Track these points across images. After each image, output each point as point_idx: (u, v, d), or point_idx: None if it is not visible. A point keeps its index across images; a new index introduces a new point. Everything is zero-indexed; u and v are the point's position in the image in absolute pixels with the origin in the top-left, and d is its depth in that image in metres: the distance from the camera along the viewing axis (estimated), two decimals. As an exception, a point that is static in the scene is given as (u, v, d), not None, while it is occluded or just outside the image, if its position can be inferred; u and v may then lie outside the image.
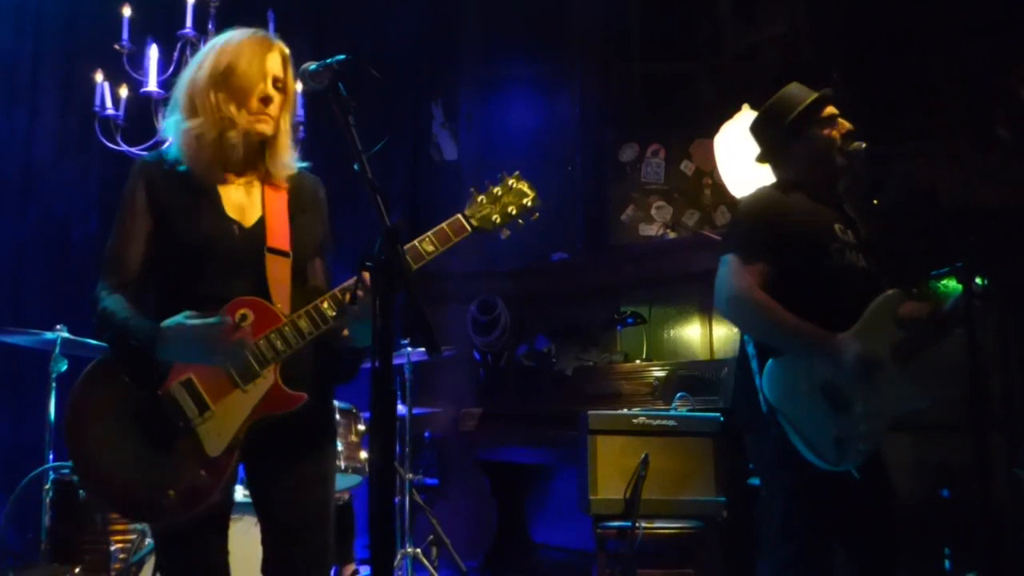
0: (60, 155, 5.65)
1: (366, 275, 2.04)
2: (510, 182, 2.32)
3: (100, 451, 2.10)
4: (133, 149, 4.66)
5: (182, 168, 2.20)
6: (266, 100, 2.20)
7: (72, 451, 2.13)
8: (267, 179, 2.28)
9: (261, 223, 2.22)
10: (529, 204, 2.31)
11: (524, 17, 6.48)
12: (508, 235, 2.32)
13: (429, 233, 2.20)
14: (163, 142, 4.74)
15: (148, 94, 4.57)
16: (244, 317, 2.10)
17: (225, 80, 2.19)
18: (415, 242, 2.18)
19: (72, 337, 3.88)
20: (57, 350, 3.85)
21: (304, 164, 2.35)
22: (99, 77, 4.61)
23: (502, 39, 6.59)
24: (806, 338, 2.70)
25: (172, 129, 2.24)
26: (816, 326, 2.70)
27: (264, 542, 2.22)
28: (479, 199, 2.28)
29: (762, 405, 2.72)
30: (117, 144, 4.62)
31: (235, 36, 2.26)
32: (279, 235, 2.22)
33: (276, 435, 2.14)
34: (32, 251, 5.51)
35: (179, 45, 4.57)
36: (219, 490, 2.09)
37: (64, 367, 3.87)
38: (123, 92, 4.64)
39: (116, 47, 4.50)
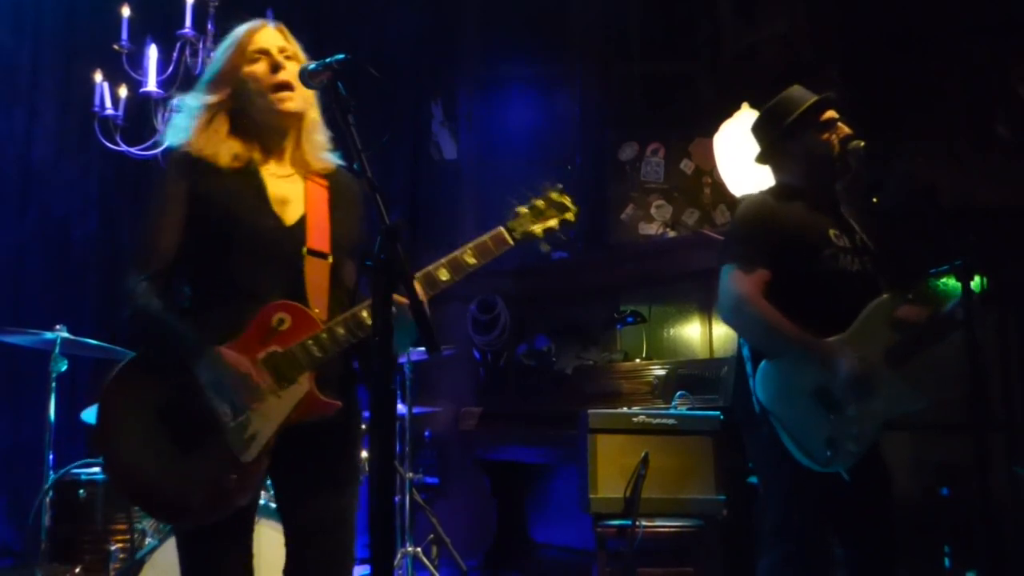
0: (59, 155, 5.65)
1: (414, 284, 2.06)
2: (552, 195, 2.28)
3: (130, 450, 2.07)
4: (132, 149, 4.66)
5: (215, 158, 2.16)
6: (275, 68, 2.18)
7: (102, 449, 2.10)
8: (308, 174, 2.25)
9: (302, 222, 2.18)
10: (571, 219, 2.28)
11: (524, 17, 6.47)
12: (548, 249, 2.31)
13: (469, 245, 2.17)
14: (162, 142, 4.76)
15: (147, 94, 4.58)
16: (281, 321, 2.07)
17: (215, 74, 2.21)
18: (456, 253, 2.16)
19: (72, 337, 3.88)
20: (57, 350, 3.84)
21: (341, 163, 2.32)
22: (98, 77, 4.62)
23: (502, 39, 6.57)
24: (803, 347, 2.72)
25: (185, 124, 2.21)
26: (815, 336, 2.72)
27: (286, 544, 2.19)
28: (522, 211, 2.24)
29: (755, 406, 2.73)
30: (116, 144, 4.63)
31: (228, 37, 2.27)
32: (320, 236, 2.19)
33: (300, 437, 2.11)
34: (32, 251, 5.52)
35: (178, 45, 4.58)
36: (249, 494, 2.07)
37: (64, 367, 3.86)
38: (122, 92, 4.65)
39: (115, 47, 4.51)
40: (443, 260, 2.15)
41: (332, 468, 2.19)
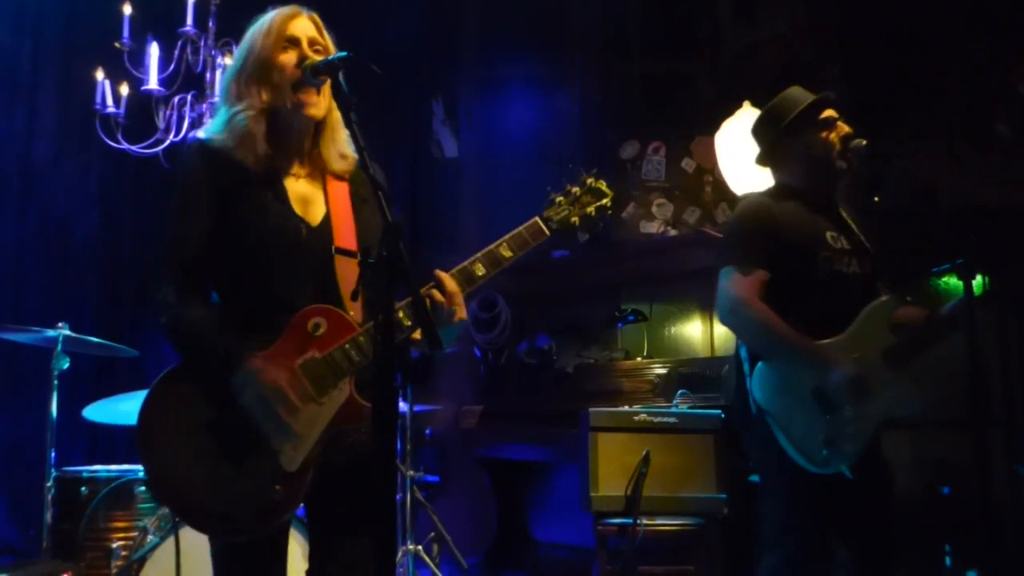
0: (60, 153, 5.64)
1: (443, 277, 2.02)
2: (588, 181, 2.24)
3: (175, 463, 2.00)
4: (134, 147, 4.67)
5: (238, 157, 2.08)
6: (302, 61, 2.08)
7: (145, 462, 2.03)
8: (328, 172, 2.18)
9: (327, 221, 2.12)
10: (608, 204, 2.23)
11: (524, 16, 6.47)
12: (586, 238, 2.27)
13: (505, 238, 2.12)
14: (164, 140, 4.76)
15: (149, 92, 4.58)
16: (317, 326, 2.02)
17: (249, 65, 2.12)
18: (492, 247, 2.11)
19: (74, 335, 3.88)
20: (59, 347, 3.84)
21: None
22: (99, 75, 4.62)
23: (502, 38, 6.58)
24: (800, 352, 2.72)
25: (219, 121, 2.13)
26: (812, 338, 2.72)
27: (310, 543, 2.15)
28: (557, 200, 2.20)
29: (752, 407, 2.74)
30: (118, 142, 4.63)
31: (258, 21, 2.17)
32: (346, 233, 2.12)
33: (338, 438, 2.07)
34: (32, 249, 5.51)
35: (180, 43, 4.58)
36: (294, 506, 2.01)
37: (66, 364, 3.86)
38: (124, 90, 4.65)
39: (117, 45, 4.51)
40: (479, 255, 2.11)
41: (364, 476, 2.10)
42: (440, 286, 2.04)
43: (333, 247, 2.10)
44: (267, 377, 1.95)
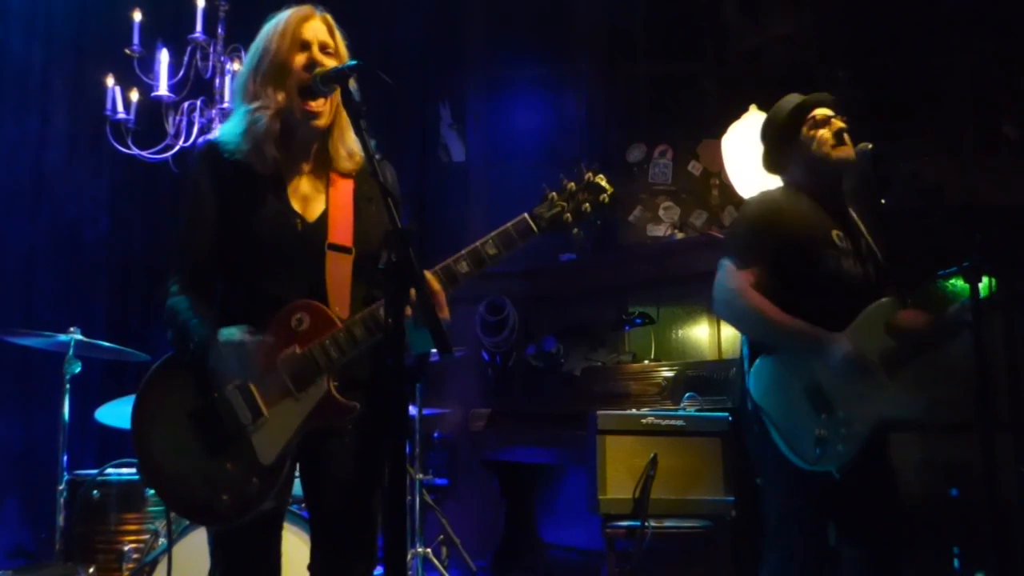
0: (71, 158, 5.68)
1: (427, 276, 2.00)
2: (587, 177, 2.14)
3: (161, 451, 2.08)
4: (144, 153, 4.70)
5: (243, 158, 2.12)
6: (311, 66, 2.09)
7: (136, 449, 2.11)
8: (333, 167, 2.19)
9: (323, 218, 2.14)
10: (607, 200, 2.13)
11: (529, 18, 6.48)
12: (581, 234, 2.22)
13: (491, 235, 2.08)
14: (173, 146, 4.80)
15: (159, 98, 4.61)
16: (300, 322, 2.05)
17: (264, 65, 2.13)
18: (477, 244, 2.08)
19: (86, 339, 3.90)
20: (71, 352, 3.87)
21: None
22: (110, 81, 4.66)
23: (507, 40, 6.59)
24: (797, 333, 2.73)
25: (236, 122, 2.16)
26: (808, 323, 2.72)
27: (313, 538, 2.20)
28: (551, 196, 2.12)
29: (748, 403, 2.75)
30: (128, 148, 4.66)
31: (274, 20, 2.18)
32: (341, 230, 2.13)
33: (331, 434, 2.12)
34: (43, 254, 5.54)
35: (189, 49, 4.62)
36: (271, 498, 2.06)
37: (78, 369, 3.89)
38: (134, 96, 4.68)
39: (127, 51, 4.54)
40: (463, 251, 2.09)
41: (363, 464, 2.15)
42: (425, 290, 2.03)
43: (326, 243, 2.12)
44: (234, 341, 2.00)
